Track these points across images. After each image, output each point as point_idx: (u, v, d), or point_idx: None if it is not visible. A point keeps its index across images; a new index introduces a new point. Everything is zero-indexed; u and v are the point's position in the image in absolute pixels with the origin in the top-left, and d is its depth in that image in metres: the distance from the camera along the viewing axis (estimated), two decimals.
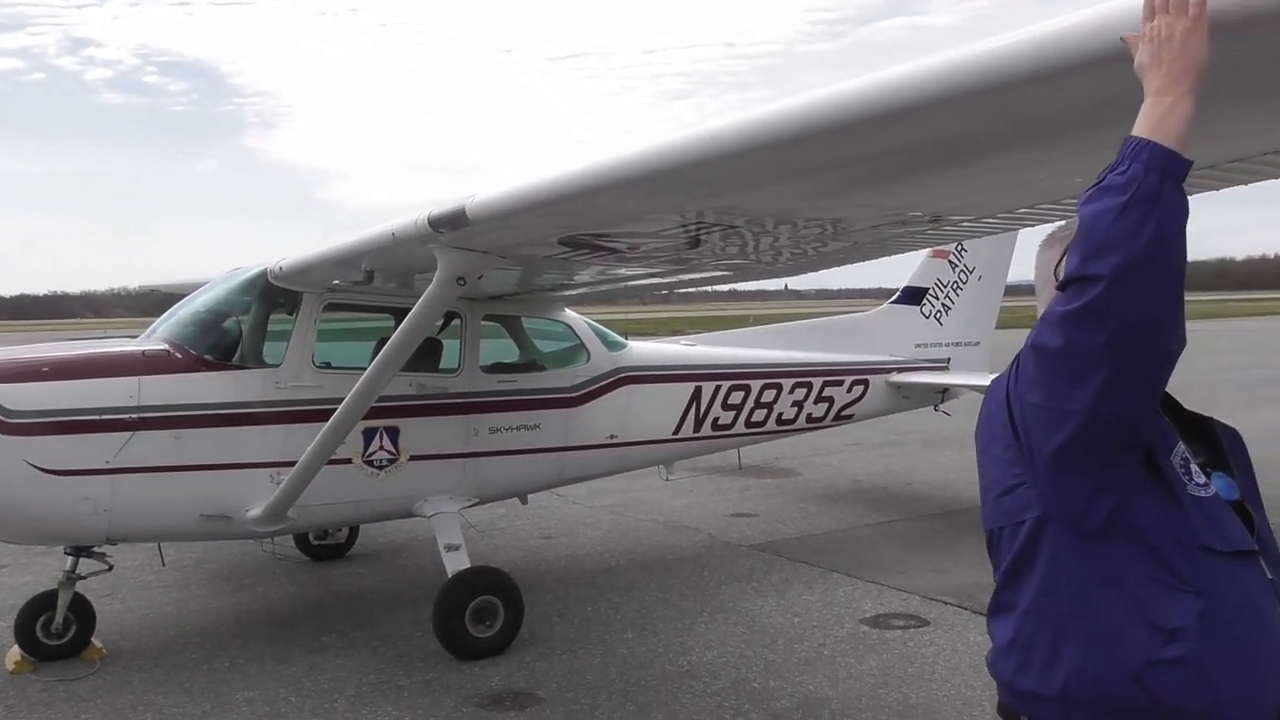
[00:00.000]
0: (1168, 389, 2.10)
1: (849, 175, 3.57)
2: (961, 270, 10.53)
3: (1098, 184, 1.86)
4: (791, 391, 8.83)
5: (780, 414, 8.80)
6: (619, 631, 6.64)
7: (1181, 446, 1.98)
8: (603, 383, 7.63)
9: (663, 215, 4.45)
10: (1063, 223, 2.16)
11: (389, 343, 5.76)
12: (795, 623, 6.74)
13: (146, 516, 6.03)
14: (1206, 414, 2.18)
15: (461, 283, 5.43)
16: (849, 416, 9.34)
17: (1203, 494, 1.93)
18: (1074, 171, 3.19)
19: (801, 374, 8.92)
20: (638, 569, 8.18)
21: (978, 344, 10.62)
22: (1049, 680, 1.95)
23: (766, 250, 5.54)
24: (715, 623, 6.78)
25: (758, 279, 7.60)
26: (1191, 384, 18.90)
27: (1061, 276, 1.94)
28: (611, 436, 7.72)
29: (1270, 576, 1.96)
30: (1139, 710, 1.86)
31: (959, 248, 10.33)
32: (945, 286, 10.44)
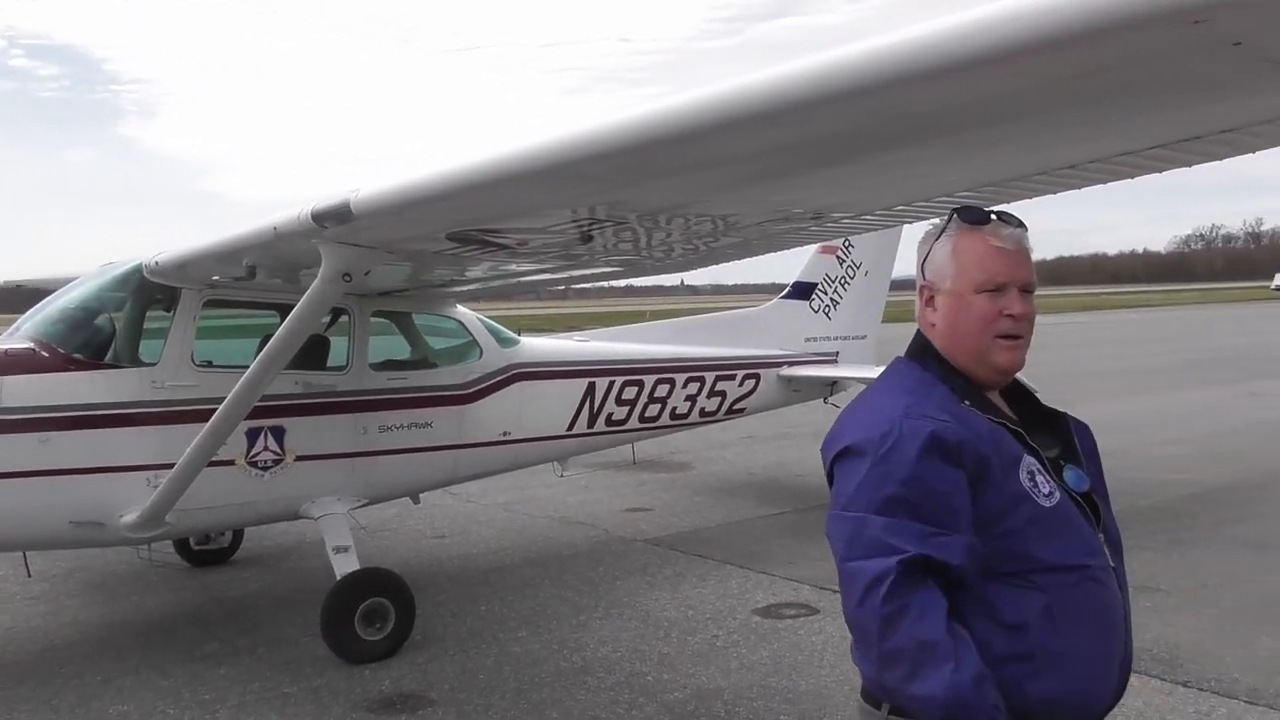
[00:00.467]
0: (1028, 384, 2.23)
1: (737, 171, 3.60)
2: (849, 266, 10.76)
3: None
4: (685, 386, 8.89)
5: (674, 408, 8.85)
6: (513, 630, 6.59)
7: (1029, 460, 2.07)
8: (496, 379, 7.55)
9: (554, 211, 4.42)
10: (939, 220, 2.26)
11: (272, 340, 5.59)
12: (689, 615, 6.79)
13: (10, 524, 5.74)
14: (1063, 408, 2.32)
15: (347, 278, 5.30)
16: (741, 410, 9.45)
17: (1049, 504, 2.04)
18: (949, 170, 3.28)
19: (694, 369, 8.99)
20: (532, 566, 8.13)
21: (865, 337, 10.87)
22: None
23: (659, 245, 5.55)
24: (610, 618, 6.78)
25: (650, 275, 7.62)
26: (1070, 374, 19.78)
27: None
28: (505, 433, 7.65)
29: (1112, 564, 2.13)
30: None
31: (846, 243, 10.54)
32: (834, 281, 10.65)
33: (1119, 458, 12.15)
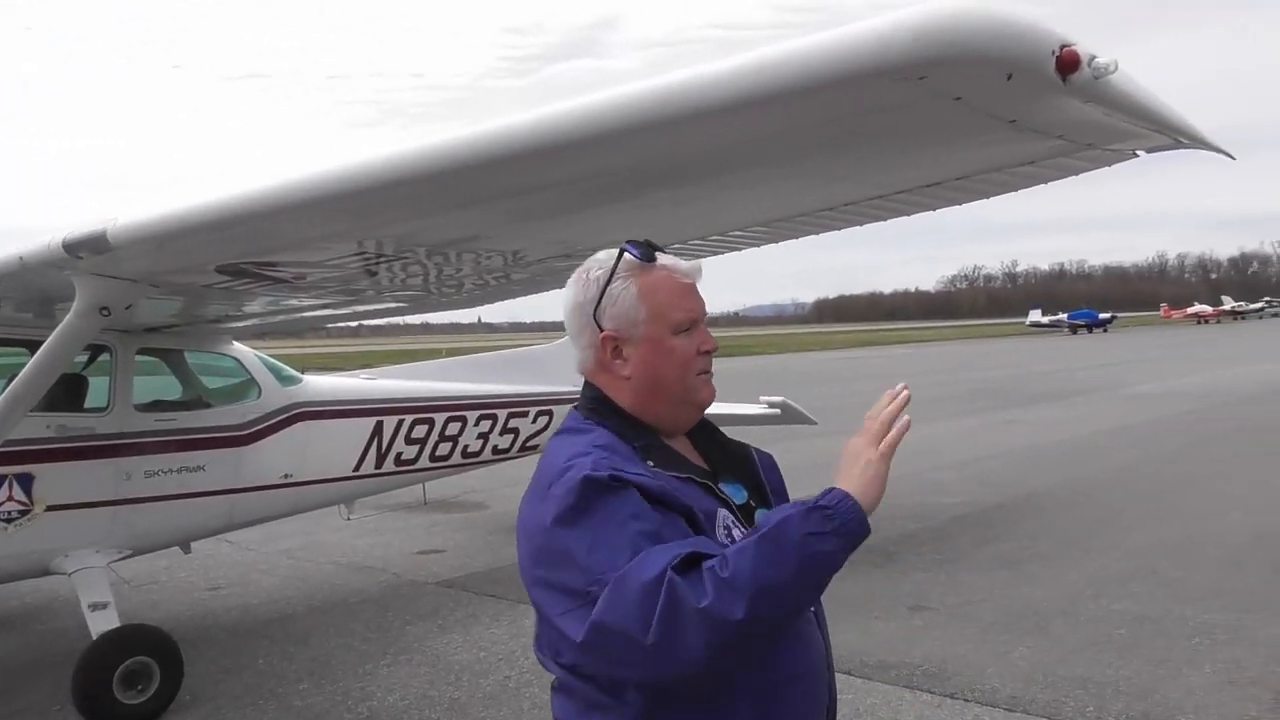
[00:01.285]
0: (710, 417, 2.13)
1: (519, 206, 3.62)
2: None
3: (814, 530, 1.74)
4: (477, 424, 8.79)
5: (466, 446, 8.73)
6: (293, 683, 6.27)
7: (722, 514, 1.92)
8: (276, 419, 7.22)
9: (332, 244, 4.30)
10: (600, 255, 2.04)
11: (15, 380, 5.15)
12: (481, 658, 6.66)
13: None
14: (744, 442, 2.18)
15: (106, 313, 4.96)
16: (535, 447, 9.42)
17: (724, 535, 1.90)
18: (721, 208, 3.41)
19: (486, 406, 8.91)
20: (316, 615, 7.78)
21: None
22: None
23: (449, 280, 5.50)
24: (398, 664, 6.57)
25: (442, 310, 7.52)
26: (847, 407, 20.61)
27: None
28: (286, 476, 7.31)
29: (811, 608, 1.98)
30: None
31: None
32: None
33: (894, 484, 12.79)
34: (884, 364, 45.89)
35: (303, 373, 7.99)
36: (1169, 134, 2.36)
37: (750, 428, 14.39)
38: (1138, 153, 2.68)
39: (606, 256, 2.01)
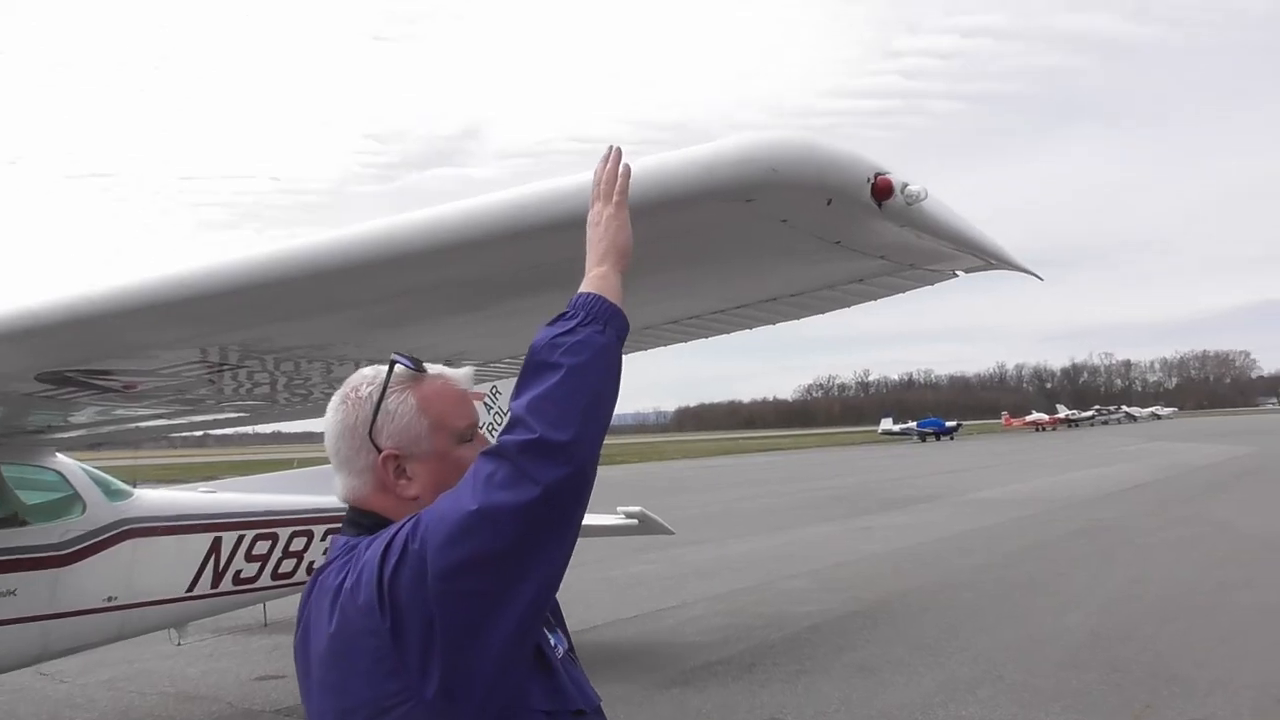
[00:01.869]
0: None
1: (367, 315, 3.56)
2: (496, 412, 10.86)
3: (559, 333, 1.80)
4: (324, 539, 8.44)
5: (312, 562, 8.34)
6: None
7: None
8: (101, 537, 6.77)
9: (171, 351, 4.12)
10: (366, 371, 1.92)
11: None
12: None
13: None
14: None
15: None
16: None
17: (559, 653, 1.86)
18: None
19: (336, 519, 8.54)
20: None
21: None
22: None
23: (297, 388, 5.32)
24: None
25: (287, 419, 7.28)
26: (709, 515, 20.82)
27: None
28: (110, 599, 6.83)
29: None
30: None
31: (494, 390, 10.67)
32: (481, 429, 10.69)
33: (752, 593, 12.96)
34: (742, 472, 46.55)
35: (135, 485, 7.55)
36: (980, 256, 2.51)
37: (612, 538, 14.32)
38: (957, 273, 2.83)
39: (374, 372, 1.89)
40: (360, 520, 1.88)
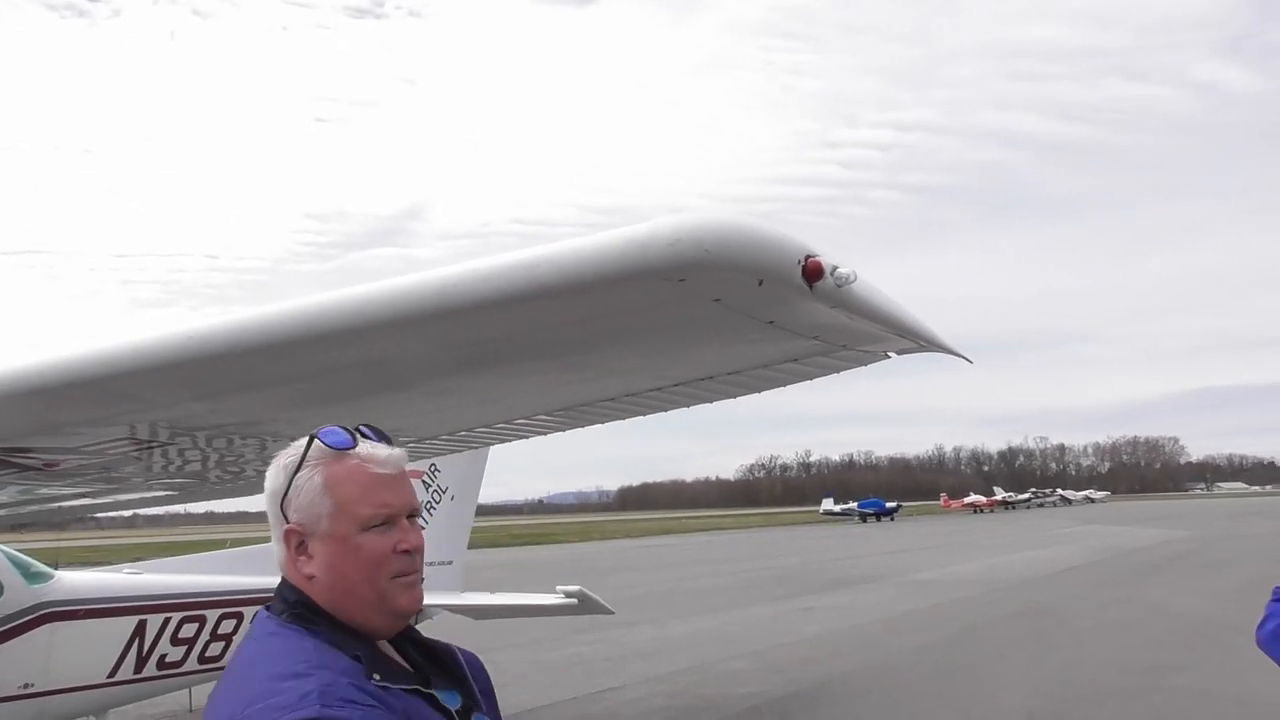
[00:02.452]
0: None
1: (298, 392, 3.53)
2: (435, 490, 10.75)
3: None
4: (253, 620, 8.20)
5: None
6: None
7: None
8: (16, 622, 6.51)
9: (96, 428, 4.03)
10: (299, 441, 1.90)
11: None
12: None
13: None
14: (447, 642, 2.02)
15: None
16: None
17: None
18: (505, 397, 3.44)
19: (266, 599, 8.31)
20: None
21: (451, 563, 10.77)
22: None
23: (229, 465, 5.22)
24: None
25: (216, 498, 7.12)
26: (650, 595, 20.61)
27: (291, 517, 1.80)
28: (26, 686, 6.55)
29: None
30: None
31: (433, 467, 10.57)
32: (407, 516, 10.54)
33: (692, 674, 12.80)
34: (684, 551, 46.24)
35: (57, 567, 7.30)
36: (910, 338, 2.58)
37: (546, 619, 14.09)
38: (889, 354, 2.90)
39: (301, 443, 1.86)
40: (286, 594, 1.85)
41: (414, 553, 1.86)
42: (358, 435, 1.86)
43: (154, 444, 4.37)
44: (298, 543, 1.82)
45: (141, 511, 8.71)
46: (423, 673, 1.92)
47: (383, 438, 1.91)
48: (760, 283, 2.02)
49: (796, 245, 2.00)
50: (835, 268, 2.01)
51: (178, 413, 3.85)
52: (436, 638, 2.03)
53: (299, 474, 1.81)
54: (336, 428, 1.86)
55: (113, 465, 4.76)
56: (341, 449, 1.82)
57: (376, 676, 1.72)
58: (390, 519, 1.83)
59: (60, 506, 6.48)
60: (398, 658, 1.91)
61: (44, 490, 5.49)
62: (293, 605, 1.81)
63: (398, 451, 1.90)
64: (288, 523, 1.82)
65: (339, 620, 1.80)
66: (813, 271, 1.99)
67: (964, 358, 2.87)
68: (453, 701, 1.88)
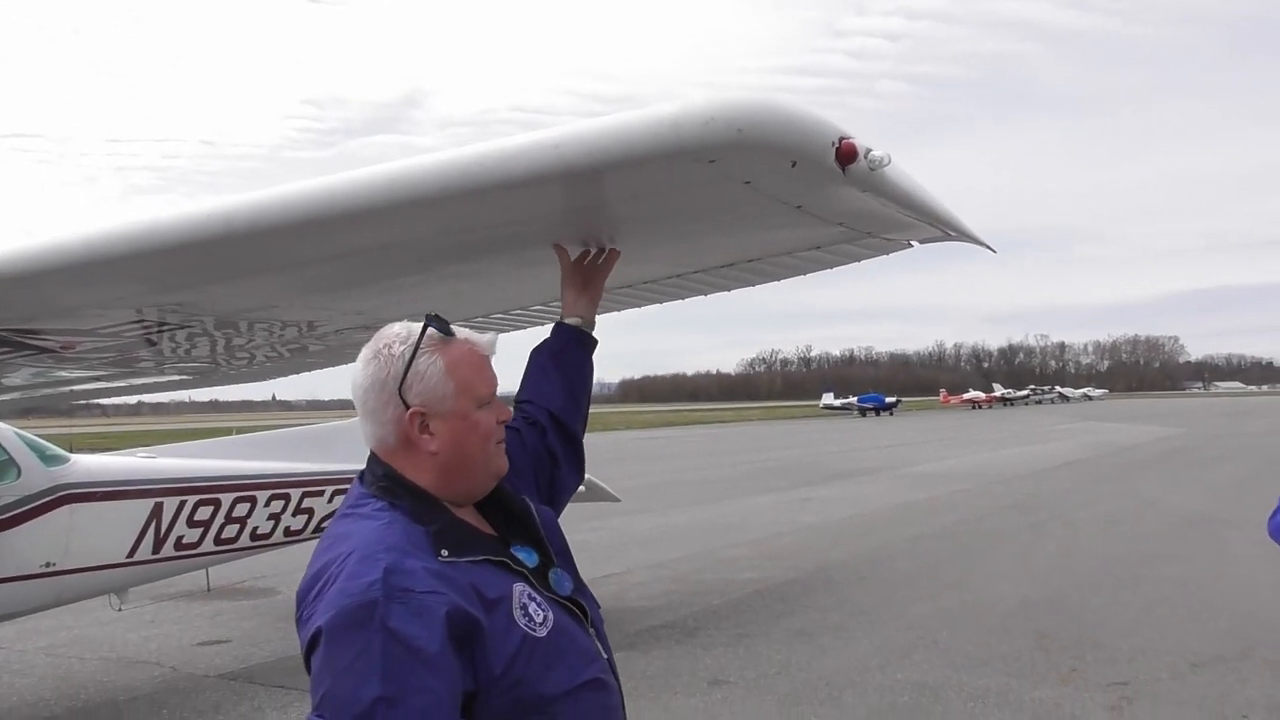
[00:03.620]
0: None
1: (315, 276, 3.51)
2: None
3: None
4: (268, 504, 8.36)
5: (255, 529, 8.27)
6: None
7: (518, 590, 1.92)
8: (36, 503, 6.64)
9: (107, 311, 4.03)
10: (396, 328, 2.04)
11: None
12: None
13: None
14: (524, 497, 2.17)
15: None
16: None
17: (544, 632, 1.90)
18: (519, 284, 3.43)
19: (278, 485, 8.49)
20: (80, 718, 7.10)
21: None
22: None
23: (239, 352, 5.24)
24: None
25: (229, 384, 7.17)
26: (655, 485, 21.02)
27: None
28: (48, 564, 6.72)
29: (605, 655, 2.08)
30: None
31: None
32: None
33: (694, 561, 13.11)
34: (686, 443, 46.82)
35: (71, 451, 7.41)
36: (938, 226, 2.56)
37: None
38: (912, 243, 2.88)
39: (405, 330, 2.01)
40: (375, 469, 2.02)
41: (506, 422, 2.10)
42: (446, 322, 2.04)
43: (165, 328, 4.37)
44: (421, 423, 1.97)
45: (148, 399, 8.77)
46: (503, 534, 2.07)
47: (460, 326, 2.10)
48: (793, 165, 1.99)
49: (831, 127, 1.97)
50: (869, 150, 1.99)
51: (187, 296, 3.84)
52: (516, 493, 2.18)
53: (418, 360, 1.96)
54: (443, 318, 2.04)
55: (126, 349, 4.77)
56: (449, 335, 2.01)
57: (444, 552, 1.87)
58: (494, 395, 2.05)
59: (74, 389, 6.53)
60: (479, 521, 2.06)
61: (59, 373, 5.53)
62: (380, 479, 1.99)
63: (491, 335, 2.10)
64: (407, 406, 1.95)
65: (425, 494, 1.97)
66: (847, 154, 1.97)
67: (988, 247, 2.86)
68: (530, 560, 2.01)
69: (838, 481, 24.48)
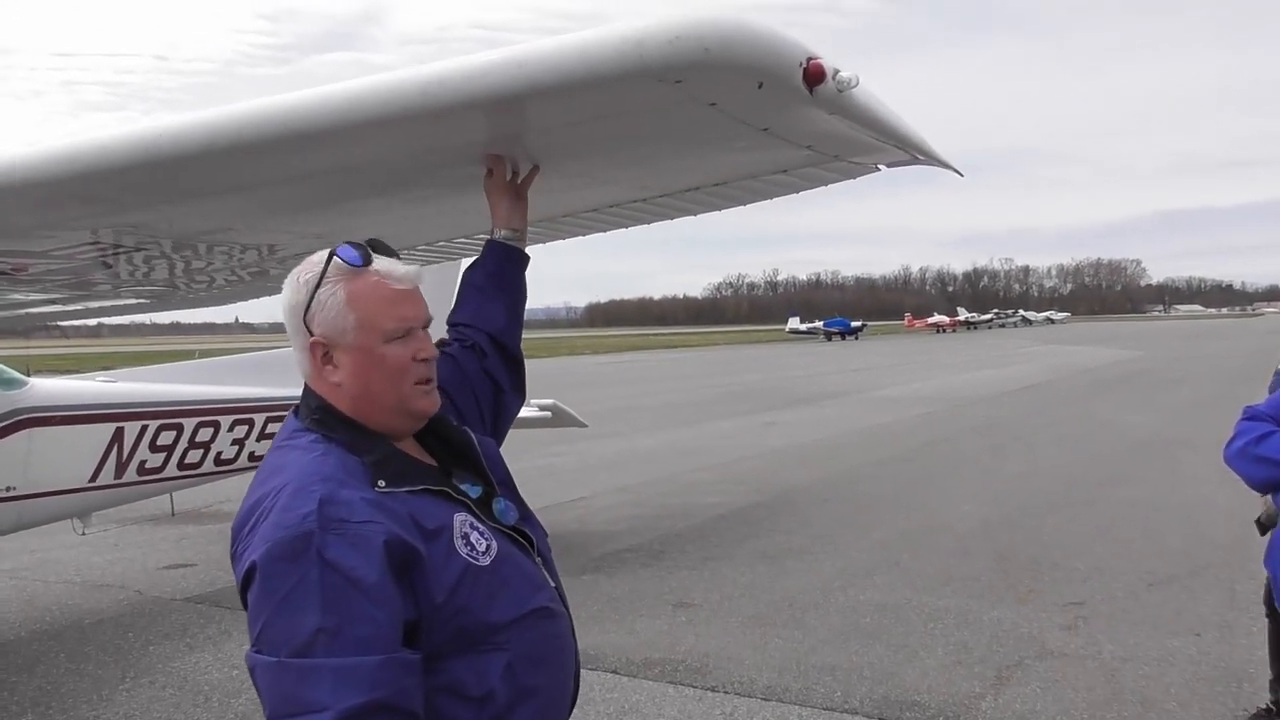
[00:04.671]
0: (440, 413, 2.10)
1: (273, 197, 3.42)
2: None
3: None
4: (231, 429, 8.29)
5: (219, 453, 8.22)
6: (16, 716, 5.70)
7: (459, 519, 1.89)
8: None
9: (59, 232, 3.92)
10: (314, 256, 2.00)
11: None
12: (234, 676, 6.28)
13: None
14: (464, 428, 2.13)
15: None
16: None
17: (488, 560, 1.88)
18: (483, 207, 3.37)
19: (242, 410, 8.42)
20: (45, 640, 7.11)
21: None
22: None
23: (198, 275, 5.13)
24: (139, 688, 6.10)
25: (189, 307, 7.04)
26: (619, 409, 21.12)
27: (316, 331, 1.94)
28: (8, 489, 6.64)
29: (553, 583, 2.05)
30: None
31: None
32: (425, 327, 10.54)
33: (661, 484, 13.23)
34: (652, 368, 46.97)
35: (28, 375, 7.29)
36: (906, 149, 2.52)
37: (522, 430, 14.38)
38: (880, 166, 2.85)
39: (318, 259, 1.97)
40: (309, 400, 2.00)
41: (431, 360, 2.00)
42: (370, 251, 1.97)
43: (120, 250, 4.27)
44: (323, 353, 1.95)
45: (107, 321, 8.63)
46: (445, 465, 2.03)
47: (393, 253, 2.03)
48: (760, 85, 1.94)
49: (799, 47, 1.91)
50: (837, 71, 1.94)
51: (141, 218, 3.74)
52: (455, 424, 2.13)
53: (320, 289, 1.93)
54: (351, 244, 1.96)
55: (82, 271, 4.66)
56: (359, 265, 1.94)
57: (381, 483, 1.84)
58: (409, 331, 1.96)
59: (29, 313, 6.39)
60: (419, 453, 2.03)
61: (13, 296, 5.40)
62: (314, 411, 1.97)
63: (413, 268, 2.02)
64: (312, 335, 1.94)
65: (359, 424, 1.94)
66: (814, 74, 1.92)
67: (955, 170, 2.83)
68: (474, 491, 2.00)
69: (803, 406, 24.72)
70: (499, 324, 2.47)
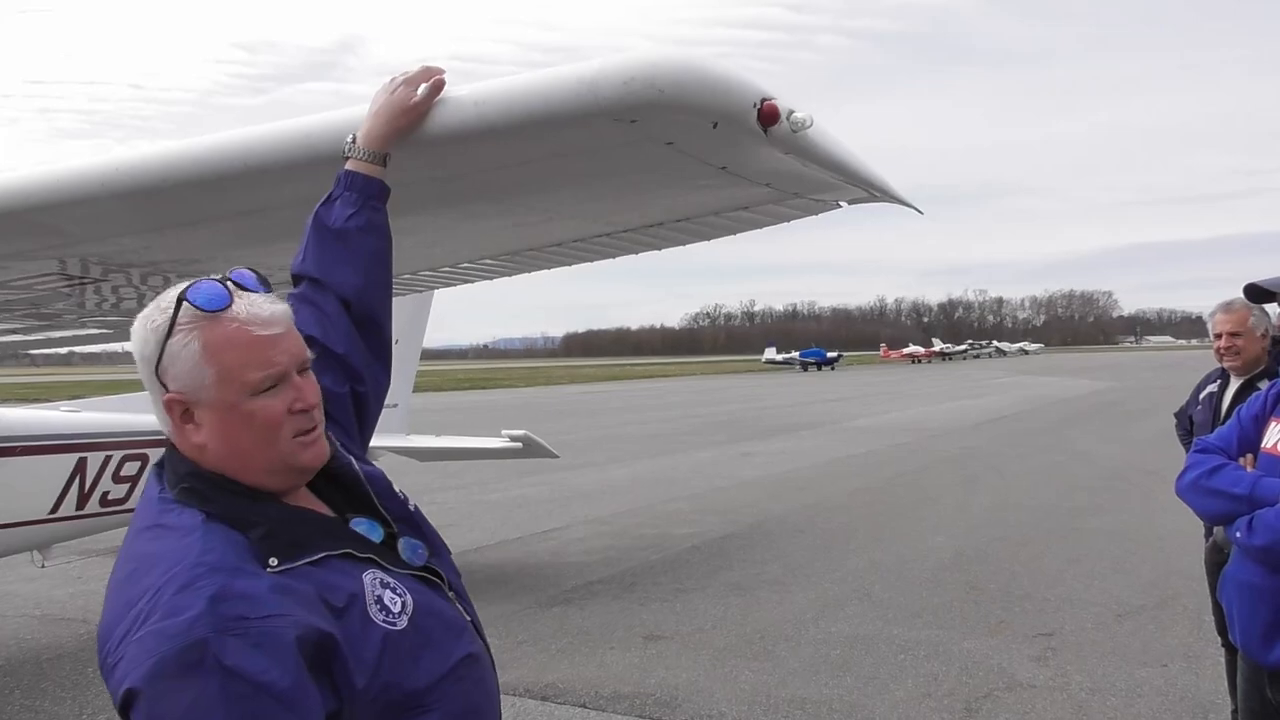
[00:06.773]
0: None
1: (245, 228, 3.41)
2: None
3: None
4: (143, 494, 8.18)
5: None
6: None
7: (369, 579, 1.68)
8: None
9: (23, 262, 3.89)
10: (168, 295, 1.69)
11: None
12: None
13: None
14: (348, 461, 1.87)
15: None
16: None
17: (405, 621, 1.67)
18: (449, 240, 3.36)
19: None
20: (1, 675, 6.96)
21: (396, 406, 10.78)
22: None
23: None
24: None
25: None
26: (595, 440, 21.02)
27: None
28: None
29: (468, 617, 1.86)
30: None
31: None
32: (302, 372, 10.47)
33: (634, 516, 13.18)
34: (628, 398, 46.97)
35: None
36: (864, 188, 2.54)
37: (492, 462, 14.31)
38: (841, 204, 2.87)
39: (168, 301, 1.66)
40: (176, 466, 1.72)
41: (311, 408, 1.71)
42: (232, 287, 1.68)
43: (86, 280, 4.23)
44: (182, 411, 1.67)
45: (78, 349, 8.54)
46: (338, 507, 1.82)
47: (262, 284, 1.74)
48: (714, 125, 1.95)
49: (752, 87, 1.93)
50: (791, 112, 1.95)
51: (109, 248, 3.71)
52: (340, 457, 1.86)
53: (171, 339, 1.64)
54: (207, 282, 1.67)
55: (43, 302, 4.62)
56: (215, 310, 1.64)
57: (274, 561, 1.58)
58: (281, 378, 1.67)
59: None
60: (312, 501, 1.80)
61: None
62: (182, 479, 1.68)
63: (281, 307, 1.73)
64: (167, 391, 1.66)
65: (237, 485, 1.68)
66: (768, 115, 1.93)
67: (915, 209, 2.85)
68: (375, 534, 1.79)
69: (778, 436, 24.74)
70: (356, 282, 2.10)
